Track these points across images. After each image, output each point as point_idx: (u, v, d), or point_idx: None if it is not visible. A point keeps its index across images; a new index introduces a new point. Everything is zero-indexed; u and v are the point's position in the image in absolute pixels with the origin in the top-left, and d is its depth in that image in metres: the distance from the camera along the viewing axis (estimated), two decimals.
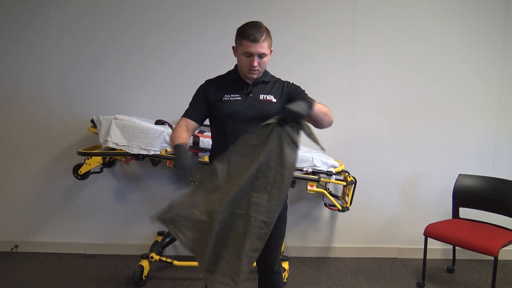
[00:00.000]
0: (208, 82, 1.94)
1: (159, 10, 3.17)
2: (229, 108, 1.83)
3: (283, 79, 2.00)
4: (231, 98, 1.86)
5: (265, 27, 1.83)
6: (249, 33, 1.77)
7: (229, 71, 1.97)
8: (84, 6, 3.17)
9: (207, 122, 1.99)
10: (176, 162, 1.68)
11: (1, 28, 3.18)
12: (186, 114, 1.91)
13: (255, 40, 1.76)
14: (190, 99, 1.94)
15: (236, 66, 1.94)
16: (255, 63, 1.80)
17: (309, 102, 1.74)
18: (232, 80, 1.91)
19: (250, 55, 1.79)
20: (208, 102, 1.89)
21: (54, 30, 3.18)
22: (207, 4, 3.18)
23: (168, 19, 3.18)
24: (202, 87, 1.94)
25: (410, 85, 3.28)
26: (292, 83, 1.97)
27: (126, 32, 3.19)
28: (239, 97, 1.86)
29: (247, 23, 1.83)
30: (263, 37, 1.78)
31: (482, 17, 3.23)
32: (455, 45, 3.26)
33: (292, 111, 1.67)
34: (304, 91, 1.95)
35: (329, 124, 1.91)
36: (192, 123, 1.90)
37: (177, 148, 1.73)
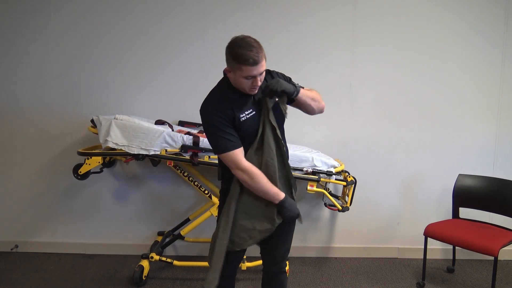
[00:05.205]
0: (216, 108, 1.75)
1: (159, 10, 3.17)
2: (252, 127, 1.78)
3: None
4: (247, 117, 1.77)
5: (256, 41, 1.68)
6: (247, 57, 1.62)
7: (221, 90, 1.81)
8: (84, 6, 3.17)
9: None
10: (290, 211, 1.83)
11: (0, 28, 3.18)
12: (232, 147, 1.74)
13: (255, 63, 1.64)
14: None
15: (225, 82, 1.81)
16: (259, 82, 1.72)
17: (293, 85, 1.80)
18: (236, 98, 1.78)
19: (253, 77, 1.69)
20: (234, 125, 1.76)
21: (54, 30, 3.18)
22: (207, 4, 3.17)
23: (168, 19, 3.18)
24: (218, 114, 1.73)
25: (410, 85, 3.28)
26: (279, 72, 1.93)
27: (126, 32, 3.19)
28: (253, 111, 1.79)
29: (238, 44, 1.66)
30: (261, 55, 1.66)
31: (482, 17, 3.23)
32: (455, 45, 3.26)
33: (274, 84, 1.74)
34: (291, 79, 1.96)
35: (320, 109, 1.96)
36: (241, 149, 1.78)
37: (286, 200, 1.83)
